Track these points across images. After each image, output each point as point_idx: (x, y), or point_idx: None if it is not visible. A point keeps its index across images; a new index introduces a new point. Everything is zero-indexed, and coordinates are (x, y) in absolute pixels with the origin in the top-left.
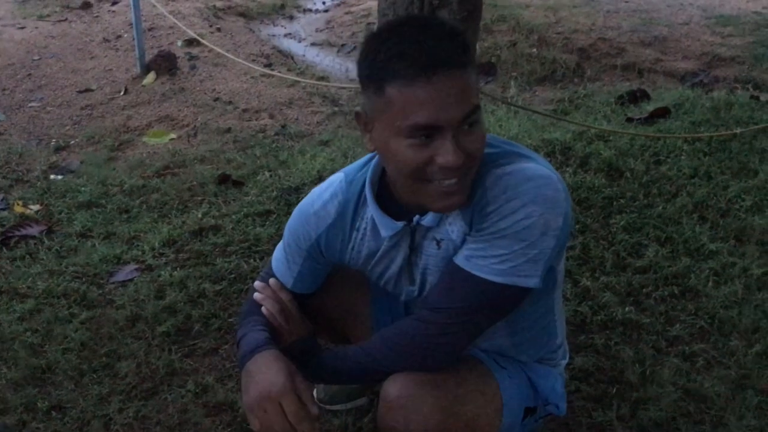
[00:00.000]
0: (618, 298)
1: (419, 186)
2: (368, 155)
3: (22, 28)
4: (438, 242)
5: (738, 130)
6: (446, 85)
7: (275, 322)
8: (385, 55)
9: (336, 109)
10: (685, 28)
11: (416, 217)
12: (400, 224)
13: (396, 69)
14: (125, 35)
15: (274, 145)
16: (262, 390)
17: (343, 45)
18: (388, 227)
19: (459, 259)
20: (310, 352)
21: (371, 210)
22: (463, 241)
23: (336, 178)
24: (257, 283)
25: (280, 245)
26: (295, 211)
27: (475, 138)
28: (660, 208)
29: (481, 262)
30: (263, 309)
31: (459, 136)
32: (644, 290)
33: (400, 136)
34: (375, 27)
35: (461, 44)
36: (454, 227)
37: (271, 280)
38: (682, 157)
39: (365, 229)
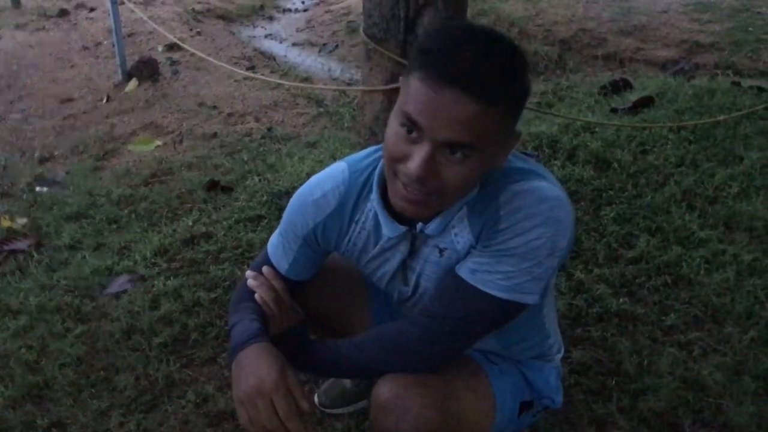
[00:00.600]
0: (612, 290)
1: (391, 176)
2: (372, 148)
3: None
4: (441, 251)
5: (721, 117)
6: (452, 103)
7: (268, 310)
8: (431, 46)
9: (321, 110)
10: (664, 16)
11: (419, 225)
12: (403, 229)
13: (427, 63)
14: (104, 42)
15: (261, 149)
16: (254, 384)
17: (324, 44)
18: (390, 228)
19: (463, 271)
20: (301, 342)
21: (375, 206)
22: (467, 253)
23: (338, 168)
24: (250, 272)
25: (276, 231)
26: (294, 197)
27: (454, 171)
28: (649, 198)
29: (487, 277)
30: (256, 296)
31: (439, 156)
32: (637, 281)
33: (396, 118)
34: (357, 26)
35: (501, 85)
36: (460, 238)
37: (265, 268)
38: (668, 146)
39: (364, 223)
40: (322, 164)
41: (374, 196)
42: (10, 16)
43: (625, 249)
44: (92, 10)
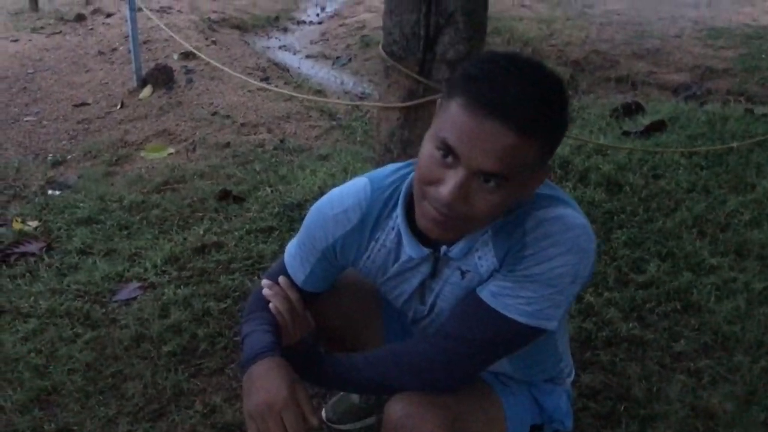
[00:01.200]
0: (622, 314)
1: (419, 197)
2: (395, 165)
3: (16, 40)
4: (463, 273)
5: (734, 144)
6: (492, 133)
7: (282, 321)
8: (476, 74)
9: (333, 123)
10: (677, 41)
11: (443, 248)
12: (427, 251)
13: (471, 90)
14: (120, 48)
15: (273, 160)
16: (264, 400)
17: (338, 57)
18: (414, 249)
19: (484, 294)
20: (312, 354)
21: (400, 225)
22: (490, 276)
23: (360, 184)
24: (265, 282)
25: (294, 240)
26: (314, 210)
27: (485, 199)
28: (660, 222)
29: (509, 301)
30: (271, 306)
31: (472, 184)
32: (647, 306)
33: (432, 141)
34: (371, 40)
35: (543, 119)
36: (484, 261)
37: (281, 278)
38: (680, 171)
39: (385, 240)
40: (334, 177)
41: (399, 214)
42: (27, 20)
43: (636, 273)
44: (109, 15)
